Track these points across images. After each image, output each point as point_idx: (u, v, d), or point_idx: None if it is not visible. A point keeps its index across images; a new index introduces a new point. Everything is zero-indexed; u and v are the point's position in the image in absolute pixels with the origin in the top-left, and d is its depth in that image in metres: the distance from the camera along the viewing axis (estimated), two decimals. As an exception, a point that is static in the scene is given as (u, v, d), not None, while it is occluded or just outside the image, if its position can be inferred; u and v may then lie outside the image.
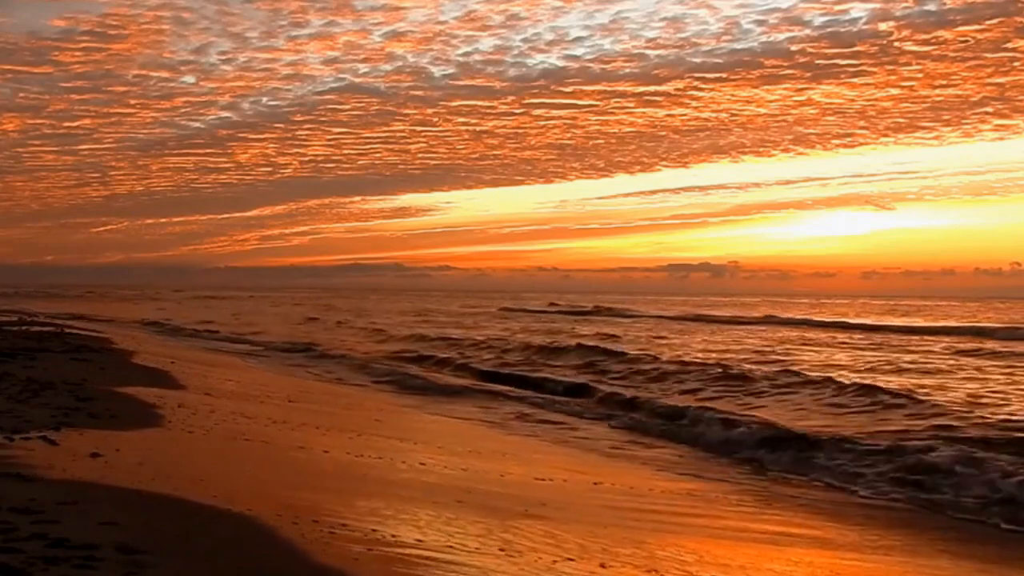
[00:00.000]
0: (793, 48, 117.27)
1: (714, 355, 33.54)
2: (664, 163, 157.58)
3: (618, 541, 8.52)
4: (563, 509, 9.93)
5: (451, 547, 7.29)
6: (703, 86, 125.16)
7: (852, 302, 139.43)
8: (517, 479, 11.93)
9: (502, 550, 7.45)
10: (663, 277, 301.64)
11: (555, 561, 7.31)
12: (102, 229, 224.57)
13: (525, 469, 12.95)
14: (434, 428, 17.69)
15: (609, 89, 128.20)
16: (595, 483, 12.28)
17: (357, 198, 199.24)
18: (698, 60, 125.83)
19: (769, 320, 67.78)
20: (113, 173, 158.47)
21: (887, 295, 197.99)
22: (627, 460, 15.19)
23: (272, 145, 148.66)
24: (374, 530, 7.52)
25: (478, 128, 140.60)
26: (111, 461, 9.31)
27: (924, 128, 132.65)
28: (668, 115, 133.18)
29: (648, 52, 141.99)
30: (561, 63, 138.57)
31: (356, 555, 6.65)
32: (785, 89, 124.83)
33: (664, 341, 43.17)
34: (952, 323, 61.01)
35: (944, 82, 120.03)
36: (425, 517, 8.46)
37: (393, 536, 7.46)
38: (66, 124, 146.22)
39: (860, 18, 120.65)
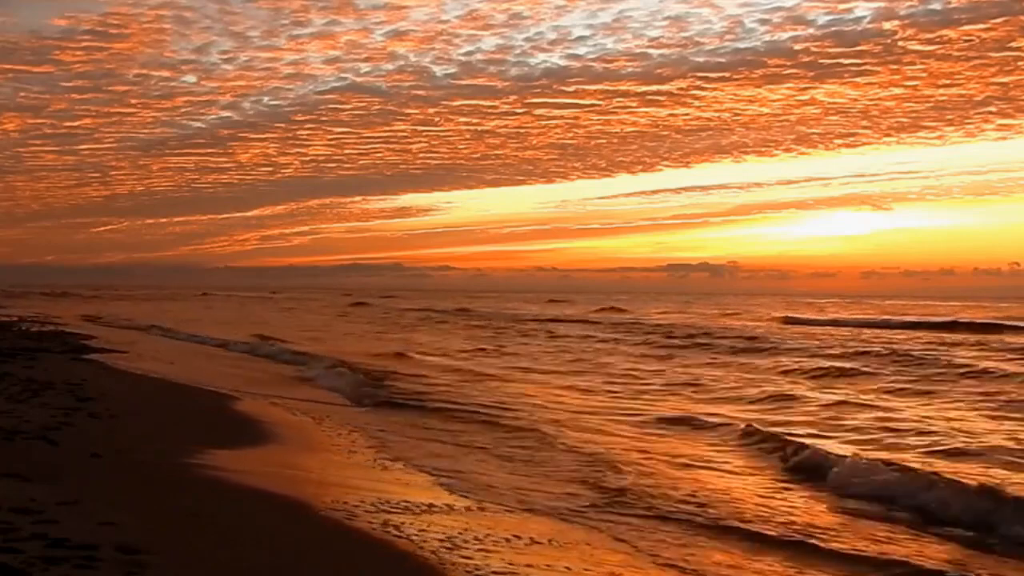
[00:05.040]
0: (796, 47, 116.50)
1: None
2: (666, 163, 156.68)
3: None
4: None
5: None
6: (706, 85, 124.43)
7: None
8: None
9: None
10: (663, 277, 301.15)
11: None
12: (102, 229, 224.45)
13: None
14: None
15: (611, 88, 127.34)
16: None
17: (358, 198, 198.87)
18: (701, 59, 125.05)
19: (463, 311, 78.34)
20: (114, 173, 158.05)
21: (886, 295, 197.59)
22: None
23: (273, 145, 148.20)
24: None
25: (480, 128, 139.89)
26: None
27: (927, 128, 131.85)
28: (671, 115, 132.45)
29: (651, 51, 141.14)
30: (563, 62, 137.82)
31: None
32: (788, 88, 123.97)
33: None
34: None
35: (948, 81, 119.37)
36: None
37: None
38: (67, 124, 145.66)
39: (864, 17, 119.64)
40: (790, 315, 67.11)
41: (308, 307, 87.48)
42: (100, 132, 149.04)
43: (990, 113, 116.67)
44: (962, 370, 25.29)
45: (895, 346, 34.83)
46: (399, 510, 8.61)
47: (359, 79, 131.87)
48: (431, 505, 9.00)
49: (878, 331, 48.90)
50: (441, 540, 7.56)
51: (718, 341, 38.20)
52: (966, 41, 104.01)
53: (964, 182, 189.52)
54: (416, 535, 7.66)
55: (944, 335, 44.11)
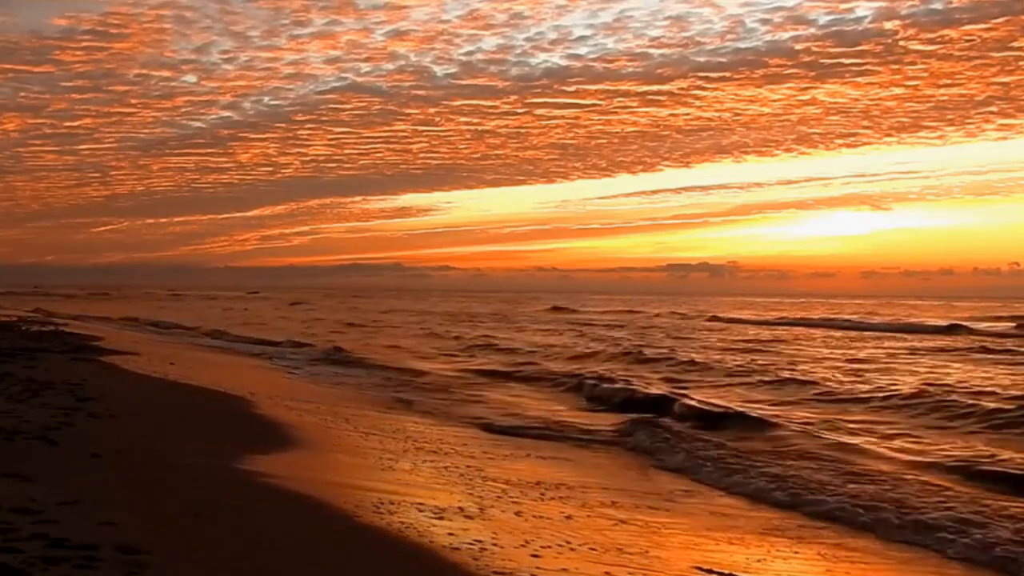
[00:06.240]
0: (797, 47, 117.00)
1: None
2: (666, 163, 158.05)
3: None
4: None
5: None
6: (707, 85, 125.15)
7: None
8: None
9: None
10: (663, 277, 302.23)
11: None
12: (102, 229, 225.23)
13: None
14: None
15: (612, 88, 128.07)
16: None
17: (358, 198, 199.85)
18: (702, 59, 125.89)
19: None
20: (114, 173, 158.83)
21: (886, 295, 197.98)
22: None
23: (273, 145, 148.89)
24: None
25: (480, 128, 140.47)
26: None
27: (928, 128, 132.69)
28: (671, 114, 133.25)
29: (651, 51, 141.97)
30: (564, 62, 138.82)
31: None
32: (789, 88, 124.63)
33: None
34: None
35: (949, 81, 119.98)
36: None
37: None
38: (67, 124, 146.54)
39: (865, 17, 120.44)
40: (717, 315, 76.39)
41: (256, 305, 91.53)
42: (100, 132, 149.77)
43: (991, 113, 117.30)
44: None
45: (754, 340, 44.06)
46: (395, 500, 8.60)
47: (359, 79, 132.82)
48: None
49: (773, 328, 58.59)
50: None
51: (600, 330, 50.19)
52: (967, 41, 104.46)
53: (964, 182, 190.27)
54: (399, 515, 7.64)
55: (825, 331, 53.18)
